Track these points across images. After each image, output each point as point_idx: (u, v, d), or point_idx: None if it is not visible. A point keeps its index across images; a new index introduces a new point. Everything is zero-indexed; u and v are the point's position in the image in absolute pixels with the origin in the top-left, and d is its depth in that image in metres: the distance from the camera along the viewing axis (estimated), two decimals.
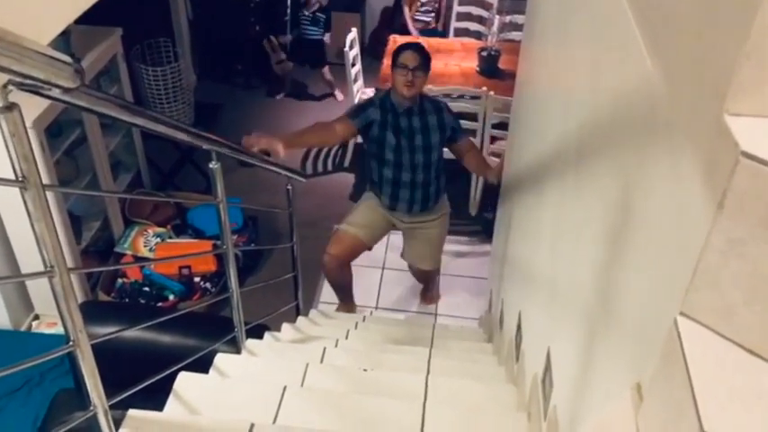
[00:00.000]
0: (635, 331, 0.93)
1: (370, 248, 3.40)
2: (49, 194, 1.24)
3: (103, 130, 3.68)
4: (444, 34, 5.68)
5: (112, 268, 3.86)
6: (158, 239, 3.91)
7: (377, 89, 4.71)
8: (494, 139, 4.36)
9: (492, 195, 4.08)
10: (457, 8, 5.45)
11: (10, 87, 1.05)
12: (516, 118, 3.24)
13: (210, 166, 2.08)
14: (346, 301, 3.62)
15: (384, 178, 3.18)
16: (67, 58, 0.97)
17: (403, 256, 3.60)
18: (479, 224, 4.44)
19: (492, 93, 4.17)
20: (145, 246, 3.88)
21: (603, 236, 1.17)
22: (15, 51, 0.83)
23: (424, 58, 3.01)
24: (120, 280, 3.70)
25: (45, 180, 1.28)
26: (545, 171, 2.09)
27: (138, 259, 3.83)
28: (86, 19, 3.75)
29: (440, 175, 3.24)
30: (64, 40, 3.35)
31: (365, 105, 3.11)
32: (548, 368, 1.61)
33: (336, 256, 3.26)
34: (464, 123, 4.40)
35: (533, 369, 1.82)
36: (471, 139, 3.25)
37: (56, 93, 1.05)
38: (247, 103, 5.71)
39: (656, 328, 0.80)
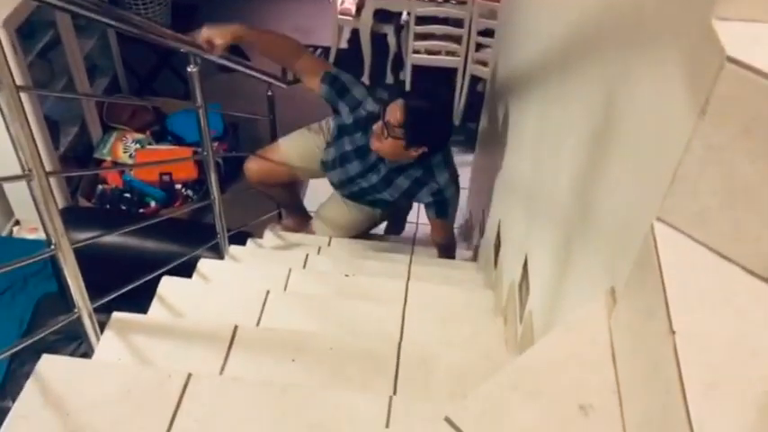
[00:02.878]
0: (611, 237, 0.95)
1: (298, 179, 2.89)
2: (24, 97, 1.21)
3: (78, 31, 3.55)
4: None
5: (91, 172, 3.82)
6: (138, 146, 3.86)
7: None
8: (479, 47, 4.29)
9: (476, 104, 4.05)
10: None
11: None
12: (503, 24, 3.17)
13: (189, 69, 2.03)
14: (291, 213, 3.13)
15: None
16: None
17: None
18: (462, 134, 4.42)
19: None
20: (124, 152, 3.83)
21: (584, 143, 1.18)
22: None
23: (412, 124, 2.13)
24: (100, 186, 3.67)
25: (19, 81, 1.24)
26: (529, 78, 2.07)
27: (117, 165, 3.79)
28: None
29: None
30: None
31: (348, 95, 2.32)
32: (525, 275, 1.65)
33: (255, 172, 2.71)
34: (450, 30, 4.34)
35: (511, 275, 1.86)
36: (443, 221, 2.49)
37: None
38: (226, 3, 5.52)
39: (633, 234, 0.82)
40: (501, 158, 2.41)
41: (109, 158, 3.81)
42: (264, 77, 2.82)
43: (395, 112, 2.14)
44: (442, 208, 2.42)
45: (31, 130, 1.20)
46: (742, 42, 0.64)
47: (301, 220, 3.06)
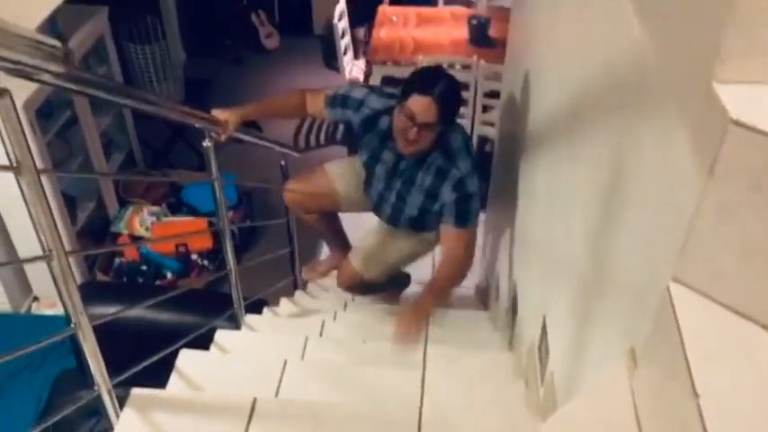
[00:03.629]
0: (628, 297, 0.95)
1: (340, 209, 2.67)
2: (44, 177, 1.24)
3: (94, 109, 3.66)
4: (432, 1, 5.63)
5: (110, 250, 3.86)
6: (154, 218, 3.91)
7: (367, 62, 4.67)
8: (485, 108, 4.35)
9: (485, 165, 4.08)
10: None
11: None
12: (508, 86, 3.23)
13: (204, 144, 2.08)
14: (332, 244, 2.94)
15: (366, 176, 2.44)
16: (56, 43, 0.97)
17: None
18: None
19: (482, 61, 4.15)
20: (141, 225, 3.88)
21: (596, 203, 1.19)
22: (3, 38, 0.82)
23: (446, 107, 2.02)
24: (117, 259, 3.71)
25: (39, 164, 1.27)
26: (538, 139, 2.10)
27: (134, 239, 3.83)
28: None
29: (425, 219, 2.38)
30: (51, 20, 3.30)
31: (349, 100, 2.27)
32: (544, 335, 1.63)
33: (295, 194, 2.59)
34: None
35: (530, 336, 1.84)
36: (460, 232, 2.20)
37: (46, 77, 1.05)
38: (237, 78, 5.67)
39: (650, 294, 0.82)
40: (513, 218, 2.42)
41: (125, 232, 3.86)
42: (277, 147, 2.87)
43: (424, 109, 1.99)
44: (463, 207, 2.16)
45: (50, 210, 1.22)
46: (744, 104, 0.65)
47: (342, 253, 2.76)
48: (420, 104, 1.98)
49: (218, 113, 2.10)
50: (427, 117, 1.99)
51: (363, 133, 2.30)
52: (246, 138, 2.49)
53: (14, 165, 1.16)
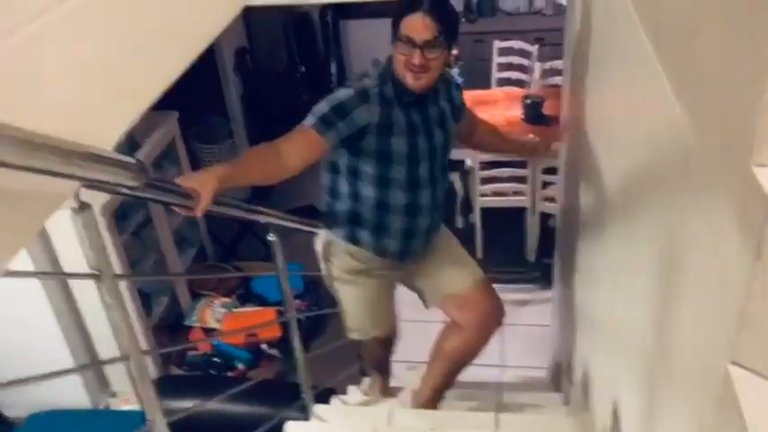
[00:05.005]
0: (693, 379, 0.94)
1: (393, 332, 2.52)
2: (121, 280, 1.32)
3: (167, 209, 3.85)
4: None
5: (183, 348, 3.97)
6: (224, 310, 4.02)
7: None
8: (545, 184, 4.37)
9: (550, 240, 4.06)
10: (497, 59, 5.54)
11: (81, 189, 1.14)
12: (565, 163, 3.25)
13: (269, 238, 2.16)
14: (377, 371, 2.88)
15: (379, 216, 2.09)
16: (131, 160, 1.06)
17: (429, 302, 2.36)
18: (538, 270, 4.41)
19: (538, 140, 4.19)
20: (212, 317, 3.99)
21: (654, 282, 1.18)
22: (85, 161, 0.91)
23: (443, 17, 1.86)
24: (190, 353, 3.80)
25: (116, 265, 1.37)
26: (596, 215, 2.10)
27: (205, 331, 3.93)
28: None
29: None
30: None
31: (347, 104, 1.91)
32: (615, 418, 1.59)
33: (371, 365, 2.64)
34: (514, 171, 4.46)
35: (603, 420, 1.79)
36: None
37: (123, 190, 1.14)
38: (303, 174, 5.86)
39: (712, 376, 0.81)
40: (579, 295, 2.39)
41: (198, 324, 3.97)
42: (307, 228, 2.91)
43: (420, 27, 1.82)
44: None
45: (128, 314, 1.30)
46: None
47: (386, 382, 2.87)
48: (413, 24, 1.83)
49: (185, 181, 1.54)
50: (426, 34, 1.82)
51: (382, 119, 1.94)
52: (308, 229, 2.55)
53: (95, 272, 1.25)
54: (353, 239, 2.16)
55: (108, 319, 1.31)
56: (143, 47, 1.21)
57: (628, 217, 1.49)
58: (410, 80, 1.91)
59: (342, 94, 1.94)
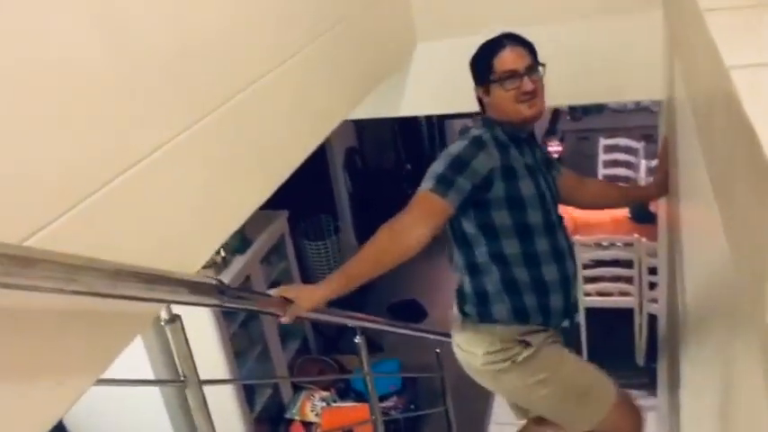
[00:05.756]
0: None
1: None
2: (226, 369, 1.43)
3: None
4: None
5: None
6: (323, 404, 4.09)
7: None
8: (652, 285, 4.22)
9: (654, 345, 3.89)
10: (603, 156, 5.51)
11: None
12: (663, 263, 3.15)
13: (355, 340, 2.25)
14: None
15: (533, 270, 1.87)
16: (211, 282, 1.19)
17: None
18: (647, 375, 4.20)
19: (644, 239, 4.10)
20: (311, 411, 4.07)
21: (715, 413, 1.15)
22: (166, 285, 1.04)
23: (530, 46, 1.87)
24: None
25: (221, 359, 1.45)
26: (692, 324, 2.03)
27: (305, 425, 4.01)
28: None
29: None
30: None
31: (464, 155, 1.75)
32: None
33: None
34: (619, 271, 4.35)
35: None
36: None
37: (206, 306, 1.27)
38: (404, 267, 5.96)
39: None
40: (683, 407, 2.28)
41: (298, 418, 4.06)
42: (431, 335, 2.97)
43: (515, 57, 1.81)
44: None
45: (211, 419, 1.40)
46: None
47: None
48: (508, 58, 1.81)
49: (287, 292, 1.59)
50: (524, 61, 1.80)
51: (503, 162, 1.79)
52: (396, 330, 2.63)
53: (182, 378, 1.37)
54: (519, 313, 1.86)
55: (195, 421, 1.42)
56: (235, 176, 1.36)
57: (698, 338, 1.46)
58: (525, 110, 1.83)
59: (454, 148, 1.79)
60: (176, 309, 1.31)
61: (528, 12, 2.64)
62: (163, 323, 1.29)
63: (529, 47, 1.85)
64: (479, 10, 2.57)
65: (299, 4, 1.66)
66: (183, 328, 1.32)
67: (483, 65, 1.85)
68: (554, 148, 5.28)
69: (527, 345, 1.86)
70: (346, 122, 6.15)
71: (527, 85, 1.79)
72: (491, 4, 2.63)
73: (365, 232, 6.25)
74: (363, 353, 2.24)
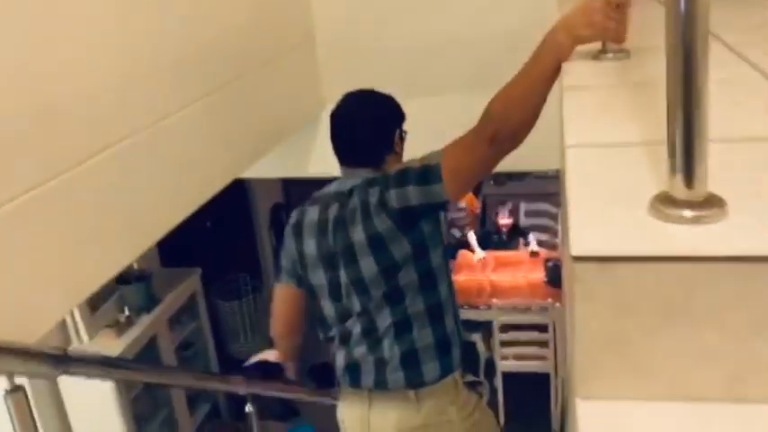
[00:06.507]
0: None
1: None
2: None
3: (182, 362, 3.88)
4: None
5: None
6: None
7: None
8: None
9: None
10: (524, 220, 5.63)
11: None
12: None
13: (246, 410, 2.15)
14: None
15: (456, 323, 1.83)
16: (51, 351, 1.11)
17: None
18: None
19: (558, 304, 4.15)
20: None
21: None
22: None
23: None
24: None
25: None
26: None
27: None
28: (168, 261, 4.12)
29: None
30: (145, 283, 3.66)
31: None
32: None
33: None
34: (537, 336, 4.37)
35: None
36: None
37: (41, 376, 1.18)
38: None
39: None
40: None
41: None
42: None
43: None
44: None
45: None
46: None
47: None
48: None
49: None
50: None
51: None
52: (299, 398, 2.54)
53: None
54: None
55: None
56: (94, 237, 1.30)
57: None
58: None
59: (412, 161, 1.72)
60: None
61: (445, 80, 2.69)
62: (2, 395, 1.19)
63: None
64: (386, 73, 2.59)
65: (183, 65, 1.63)
66: (27, 400, 1.23)
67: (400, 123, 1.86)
68: (504, 221, 5.33)
69: None
70: (272, 179, 6.08)
71: None
72: (399, 68, 2.66)
73: None
74: (254, 422, 2.15)
